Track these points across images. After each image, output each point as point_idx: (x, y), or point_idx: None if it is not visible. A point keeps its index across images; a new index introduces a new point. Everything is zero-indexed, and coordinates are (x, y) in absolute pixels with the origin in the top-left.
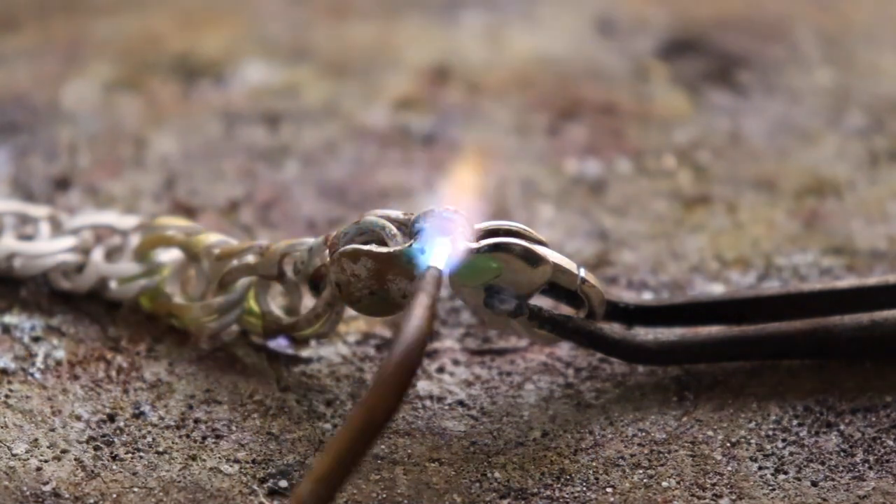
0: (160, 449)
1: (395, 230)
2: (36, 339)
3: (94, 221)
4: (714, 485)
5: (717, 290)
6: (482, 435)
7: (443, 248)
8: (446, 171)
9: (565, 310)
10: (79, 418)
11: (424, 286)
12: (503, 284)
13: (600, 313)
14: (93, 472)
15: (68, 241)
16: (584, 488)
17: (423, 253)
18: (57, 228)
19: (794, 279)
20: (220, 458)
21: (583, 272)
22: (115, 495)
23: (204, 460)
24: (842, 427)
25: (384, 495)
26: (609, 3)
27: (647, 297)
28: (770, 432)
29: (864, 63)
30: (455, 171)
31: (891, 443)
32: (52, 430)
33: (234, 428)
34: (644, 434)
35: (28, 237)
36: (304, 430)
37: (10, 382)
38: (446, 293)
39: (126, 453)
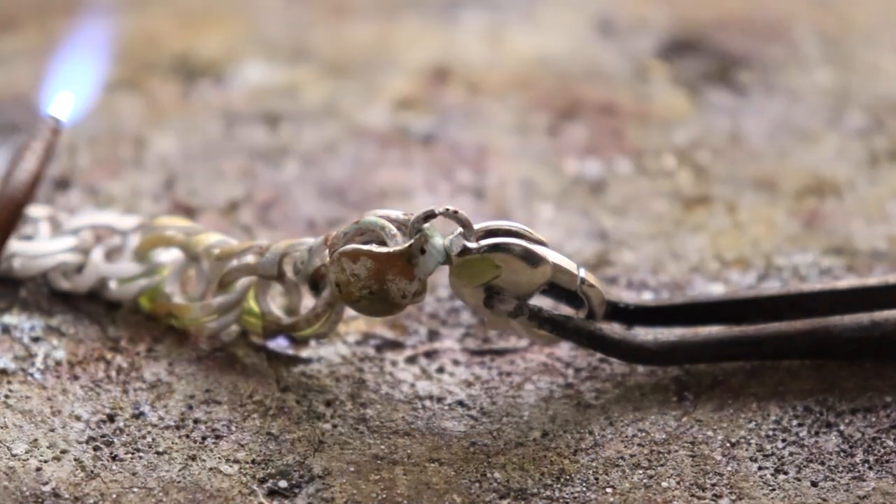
0: (160, 449)
1: (394, 230)
2: (36, 340)
3: (94, 221)
4: (714, 485)
5: (717, 290)
6: (482, 435)
7: (66, 100)
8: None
9: (565, 310)
10: (78, 418)
11: (42, 133)
12: (503, 284)
13: (600, 313)
14: (92, 472)
15: (68, 241)
16: (584, 488)
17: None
18: (57, 228)
19: (794, 279)
20: (219, 458)
21: (583, 272)
22: (114, 495)
23: (204, 460)
24: (842, 427)
25: (384, 495)
26: (609, 3)
27: (647, 297)
28: (770, 432)
29: (864, 63)
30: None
31: (891, 443)
32: (52, 430)
33: (233, 428)
34: (644, 434)
35: (28, 237)
36: (303, 430)
37: (9, 382)
38: (447, 293)
39: (126, 453)
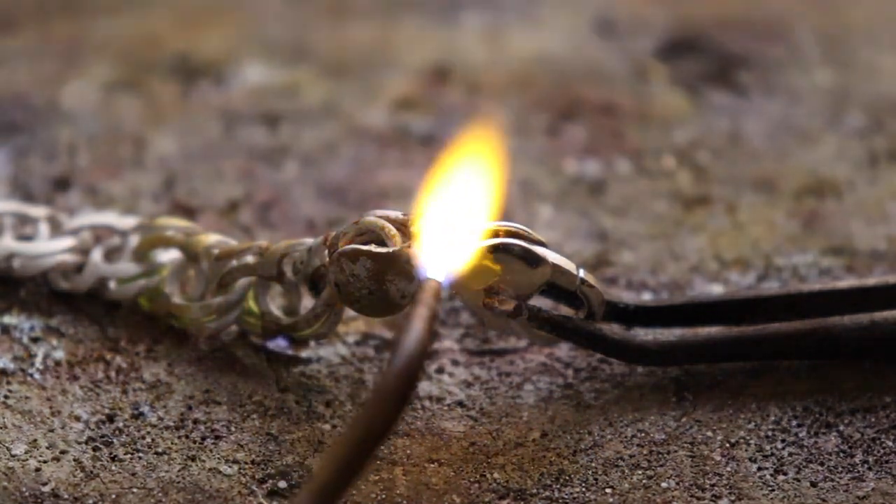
0: (159, 449)
1: (394, 230)
2: (35, 340)
3: (94, 221)
4: (713, 485)
5: (716, 290)
6: (481, 435)
7: (442, 257)
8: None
9: (565, 310)
10: (78, 419)
11: (424, 297)
12: (503, 285)
13: (600, 314)
14: (92, 472)
15: (67, 242)
16: (584, 489)
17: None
18: (56, 229)
19: (794, 279)
20: (219, 458)
21: (582, 273)
22: (114, 496)
23: (203, 461)
24: (841, 427)
25: (383, 496)
26: (609, 3)
27: (646, 297)
28: (769, 433)
29: (864, 63)
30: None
31: (890, 443)
32: (52, 430)
33: (233, 428)
34: (643, 435)
35: (27, 237)
36: (303, 430)
37: (9, 383)
38: (446, 294)
39: (125, 454)
